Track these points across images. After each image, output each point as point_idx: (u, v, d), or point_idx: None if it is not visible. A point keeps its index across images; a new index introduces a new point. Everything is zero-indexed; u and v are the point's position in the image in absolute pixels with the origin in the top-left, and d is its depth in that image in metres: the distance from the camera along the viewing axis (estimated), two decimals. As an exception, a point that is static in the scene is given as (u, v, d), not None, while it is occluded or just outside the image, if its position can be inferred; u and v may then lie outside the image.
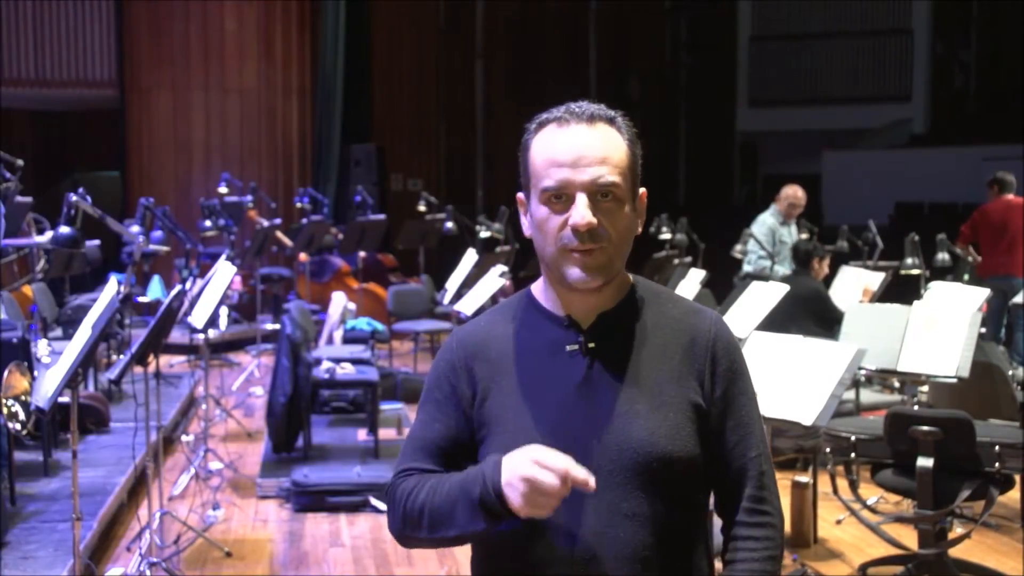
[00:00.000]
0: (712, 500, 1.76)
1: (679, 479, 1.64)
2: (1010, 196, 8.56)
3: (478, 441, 1.70)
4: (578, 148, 1.63)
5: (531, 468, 1.48)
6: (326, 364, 6.62)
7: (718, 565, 1.73)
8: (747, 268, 8.21)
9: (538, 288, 1.76)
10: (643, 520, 1.62)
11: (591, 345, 1.67)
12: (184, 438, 6.86)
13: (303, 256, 10.61)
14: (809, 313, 6.61)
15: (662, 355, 1.68)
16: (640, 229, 1.71)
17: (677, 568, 1.65)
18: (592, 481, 1.49)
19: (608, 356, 1.67)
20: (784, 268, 7.77)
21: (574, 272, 1.64)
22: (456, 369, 1.73)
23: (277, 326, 8.54)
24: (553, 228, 1.64)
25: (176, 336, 8.15)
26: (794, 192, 8.26)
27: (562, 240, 1.63)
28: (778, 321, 5.83)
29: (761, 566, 1.67)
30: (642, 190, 1.71)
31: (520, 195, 1.73)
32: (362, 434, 6.81)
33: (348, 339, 8.62)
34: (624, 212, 1.65)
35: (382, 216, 10.44)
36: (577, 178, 1.62)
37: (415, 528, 1.65)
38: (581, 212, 1.61)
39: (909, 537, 4.45)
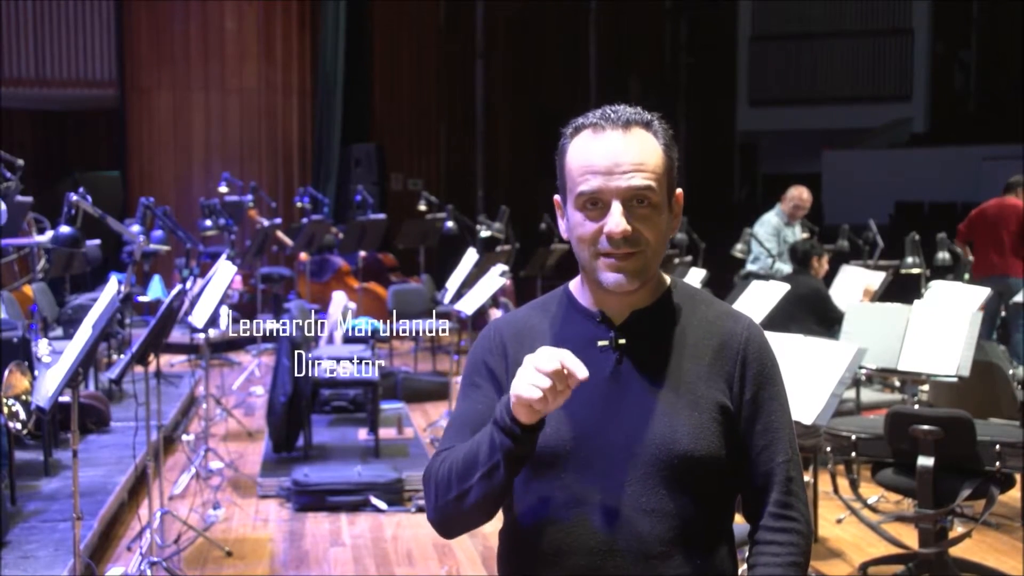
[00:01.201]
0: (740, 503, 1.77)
1: (700, 478, 1.64)
2: (1010, 197, 8.41)
3: None
4: (613, 155, 1.63)
5: (535, 355, 1.51)
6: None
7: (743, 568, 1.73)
8: (751, 267, 8.20)
9: (575, 285, 1.78)
10: (662, 516, 1.62)
11: (621, 341, 1.68)
12: (185, 437, 6.86)
13: (303, 255, 10.61)
14: (810, 312, 6.61)
15: (692, 355, 1.69)
16: (676, 231, 1.74)
17: (696, 566, 1.65)
18: (582, 373, 1.48)
19: (638, 353, 1.69)
20: (787, 268, 7.76)
21: (609, 276, 1.65)
22: (493, 352, 1.75)
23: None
24: (589, 234, 1.65)
25: (176, 336, 8.14)
26: (799, 193, 8.24)
27: (597, 246, 1.65)
28: (779, 320, 5.83)
29: (783, 571, 1.66)
30: (678, 191, 1.73)
31: (557, 198, 1.75)
32: (363, 433, 6.81)
33: (348, 339, 8.62)
34: (660, 217, 1.66)
35: (382, 216, 10.44)
36: (612, 185, 1.63)
37: (446, 491, 1.64)
38: (616, 220, 1.62)
39: (910, 536, 4.45)
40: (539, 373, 1.48)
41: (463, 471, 1.62)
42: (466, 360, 1.82)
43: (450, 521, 1.69)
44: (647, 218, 1.64)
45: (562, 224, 1.74)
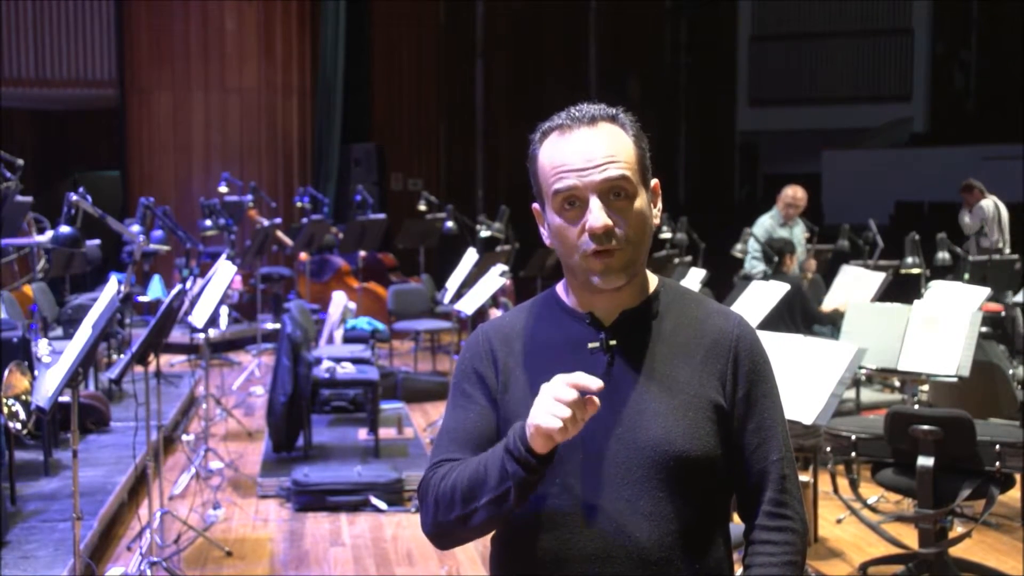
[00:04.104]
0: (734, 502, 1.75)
1: (697, 479, 1.63)
2: None
3: (501, 434, 1.68)
4: (584, 151, 1.62)
5: (551, 385, 1.49)
6: (326, 363, 6.62)
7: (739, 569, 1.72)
8: (748, 268, 8.21)
9: (561, 287, 1.76)
10: (660, 519, 1.61)
11: (612, 342, 1.67)
12: (184, 437, 6.86)
13: (303, 255, 10.61)
14: (788, 309, 6.60)
15: (684, 354, 1.68)
16: (658, 220, 1.71)
17: (694, 569, 1.64)
18: (595, 385, 1.47)
19: (629, 354, 1.67)
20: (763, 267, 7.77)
21: (598, 276, 1.63)
22: (482, 358, 1.73)
23: (277, 325, 8.54)
24: (572, 236, 1.63)
25: (176, 335, 8.15)
26: (793, 192, 8.23)
27: (582, 246, 1.63)
28: (769, 320, 5.84)
29: (780, 571, 1.65)
30: (654, 181, 1.71)
31: (535, 206, 1.73)
32: (362, 433, 6.81)
33: (348, 338, 8.63)
34: (638, 207, 1.64)
35: (382, 215, 10.44)
36: (587, 181, 1.61)
37: (448, 510, 1.62)
38: (596, 215, 1.60)
39: (909, 536, 4.45)
40: (558, 403, 1.47)
41: (467, 493, 1.59)
42: (455, 367, 1.80)
43: (449, 537, 1.69)
44: (625, 209, 1.62)
45: (544, 232, 1.72)
